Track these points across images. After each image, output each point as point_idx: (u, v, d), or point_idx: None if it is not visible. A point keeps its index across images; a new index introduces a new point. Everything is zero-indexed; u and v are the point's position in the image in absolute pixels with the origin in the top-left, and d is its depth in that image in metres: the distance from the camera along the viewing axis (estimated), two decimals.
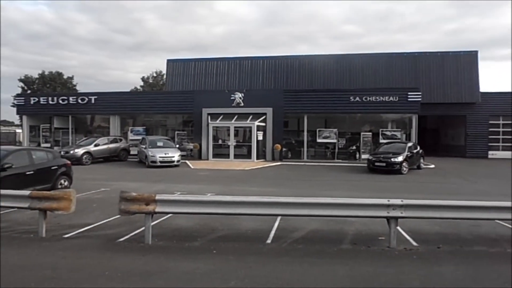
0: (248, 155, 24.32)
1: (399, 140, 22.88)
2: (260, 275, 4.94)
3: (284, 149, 24.94)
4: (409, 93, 23.41)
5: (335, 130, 25.03)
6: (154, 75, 57.89)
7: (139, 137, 25.49)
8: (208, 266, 5.26)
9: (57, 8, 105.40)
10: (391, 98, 23.32)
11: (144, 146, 21.76)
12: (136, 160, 23.21)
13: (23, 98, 30.49)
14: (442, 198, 7.58)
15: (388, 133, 24.54)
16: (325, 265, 5.38)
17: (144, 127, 28.09)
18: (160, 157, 20.19)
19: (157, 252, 5.93)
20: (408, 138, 23.62)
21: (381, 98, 23.43)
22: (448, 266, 5.40)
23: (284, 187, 13.60)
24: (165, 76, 45.27)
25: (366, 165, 19.18)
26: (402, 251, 6.11)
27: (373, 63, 31.04)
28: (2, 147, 12.66)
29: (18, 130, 34.20)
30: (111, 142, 24.09)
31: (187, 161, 22.53)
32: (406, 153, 18.31)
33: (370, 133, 25.04)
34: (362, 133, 25.11)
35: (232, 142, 24.49)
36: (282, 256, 5.77)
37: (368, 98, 23.56)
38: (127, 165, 21.97)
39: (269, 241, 6.71)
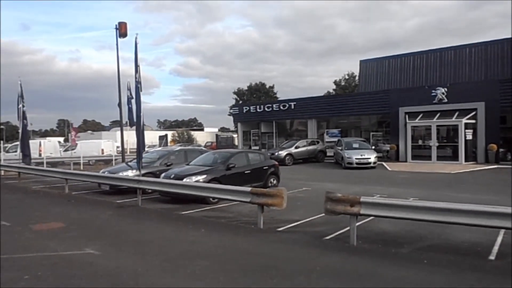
0: (454, 157, 21.71)
1: None
2: None
3: (501, 149, 21.12)
4: None
5: None
6: (346, 77, 58.43)
7: (335, 139, 26.25)
8: (420, 276, 4.96)
9: (260, 27, 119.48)
10: None
11: (340, 148, 22.26)
12: (332, 161, 23.95)
13: (237, 108, 35.88)
14: None
15: None
16: None
17: (339, 129, 28.71)
18: (356, 158, 20.25)
19: (363, 254, 5.98)
20: None
21: None
22: None
23: (505, 195, 11.52)
24: (357, 78, 45.12)
25: None
26: None
27: None
28: (226, 150, 15.18)
29: (234, 135, 40.35)
30: (309, 144, 25.66)
31: (383, 163, 21.83)
32: None
33: None
34: None
35: (434, 142, 22.34)
36: None
37: None
38: (324, 166, 22.93)
39: (492, 257, 5.83)
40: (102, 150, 28.55)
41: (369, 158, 20.36)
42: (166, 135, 43.74)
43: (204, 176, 10.75)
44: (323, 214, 7.29)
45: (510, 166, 19.43)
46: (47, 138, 47.67)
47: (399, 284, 4.71)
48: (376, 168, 20.16)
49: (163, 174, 11.57)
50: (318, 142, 26.52)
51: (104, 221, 8.72)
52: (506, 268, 5.38)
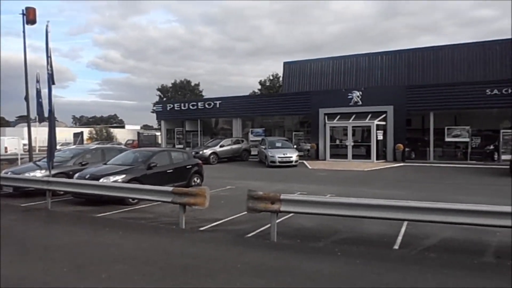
0: (367, 156, 23.45)
1: None
2: (389, 282, 4.76)
3: (407, 149, 23.36)
4: None
5: (467, 127, 22.43)
6: (271, 78, 59.93)
7: (259, 138, 26.75)
8: (334, 268, 5.27)
9: (187, 23, 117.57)
10: None
11: (264, 147, 22.76)
12: (257, 160, 24.40)
13: (161, 105, 34.83)
14: None
15: None
16: (464, 278, 4.90)
17: (263, 129, 29.34)
18: (279, 157, 20.87)
19: (283, 250, 6.17)
20: None
21: None
22: None
23: (409, 190, 12.75)
24: (281, 79, 46.51)
25: (508, 167, 16.74)
26: None
27: None
28: (148, 148, 14.61)
29: (157, 133, 39.05)
30: (234, 143, 25.83)
31: (304, 161, 22.79)
32: None
33: None
34: (502, 131, 21.97)
35: (350, 142, 23.92)
36: (413, 264, 5.45)
37: (510, 90, 20.52)
38: (249, 164, 23.25)
39: (396, 247, 6.41)
40: (6, 148, 25.78)
41: (291, 157, 21.12)
42: (82, 132, 40.76)
43: (123, 175, 10.23)
44: (246, 212, 7.39)
45: (414, 164, 21.56)
46: None
47: (315, 276, 4.95)
48: (297, 167, 20.99)
49: (77, 174, 10.78)
50: (242, 141, 26.81)
51: (6, 227, 7.85)
52: (407, 255, 5.95)
